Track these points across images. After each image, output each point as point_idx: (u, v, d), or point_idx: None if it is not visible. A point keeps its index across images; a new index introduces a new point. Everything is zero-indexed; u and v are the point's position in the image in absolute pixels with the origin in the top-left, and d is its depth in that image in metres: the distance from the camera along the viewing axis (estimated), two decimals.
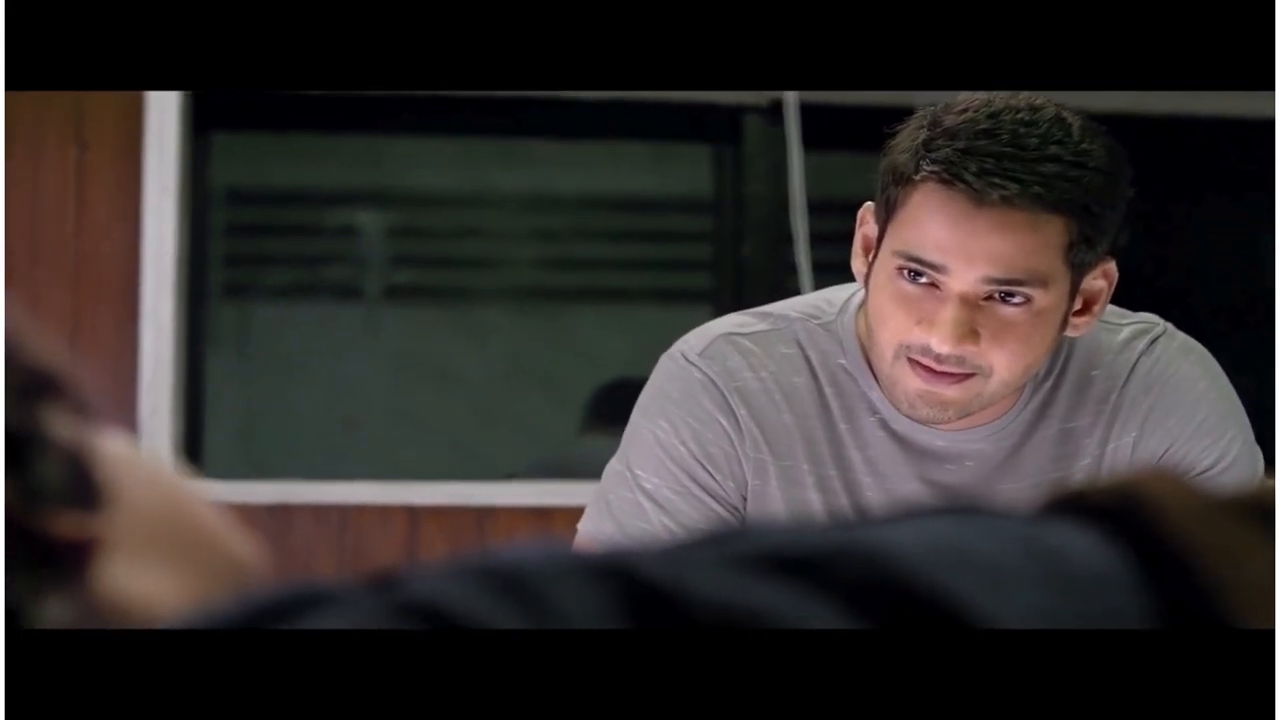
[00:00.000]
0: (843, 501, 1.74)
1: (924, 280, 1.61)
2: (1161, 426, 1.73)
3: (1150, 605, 0.54)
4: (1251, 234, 4.16)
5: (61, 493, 0.57)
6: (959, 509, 0.58)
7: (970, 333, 1.60)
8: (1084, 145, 1.59)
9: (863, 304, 1.72)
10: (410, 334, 4.22)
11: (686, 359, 1.74)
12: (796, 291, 3.58)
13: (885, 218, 1.64)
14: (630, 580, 0.52)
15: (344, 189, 4.20)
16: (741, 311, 1.80)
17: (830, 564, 0.53)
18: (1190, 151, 4.09)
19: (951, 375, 1.63)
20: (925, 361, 1.63)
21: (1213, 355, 1.77)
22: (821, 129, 3.82)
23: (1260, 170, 3.79)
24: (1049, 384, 1.74)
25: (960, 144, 1.58)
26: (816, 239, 3.71)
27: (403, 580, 0.54)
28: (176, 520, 0.64)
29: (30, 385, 0.58)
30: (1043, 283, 1.60)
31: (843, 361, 1.74)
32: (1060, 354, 1.74)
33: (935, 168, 1.58)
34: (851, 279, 1.76)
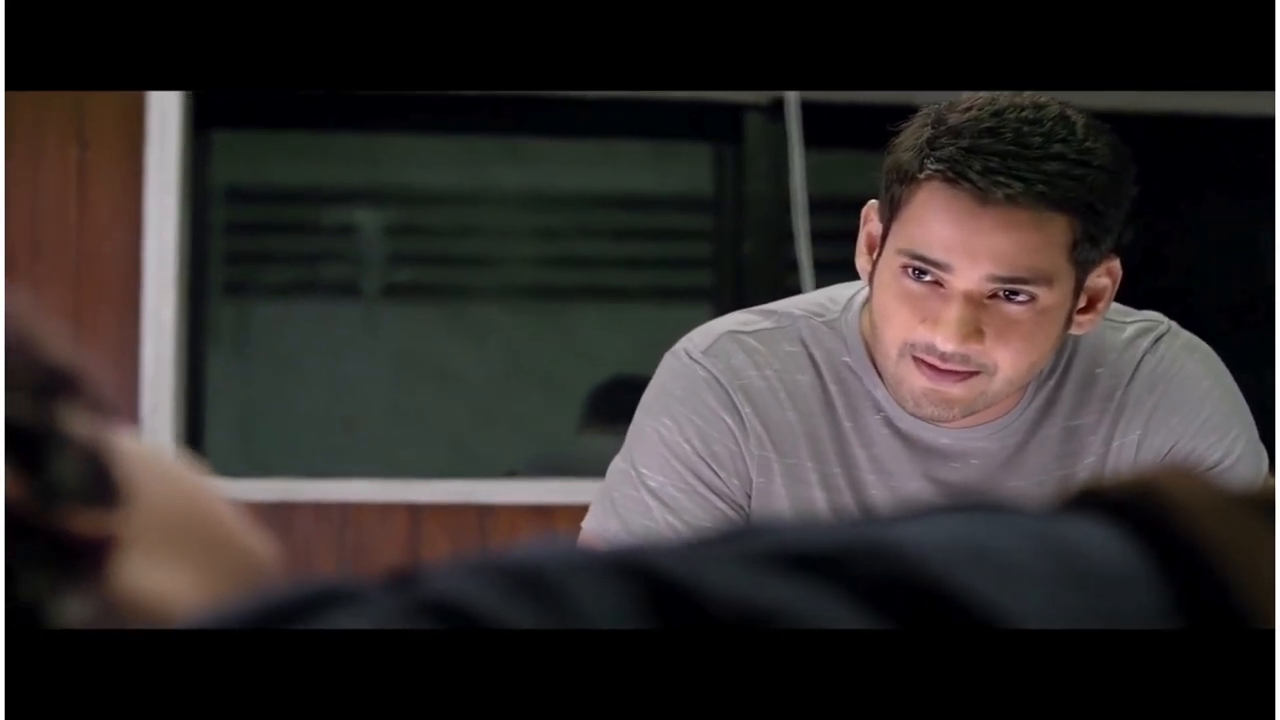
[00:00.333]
0: (847, 499, 1.74)
1: (928, 278, 1.61)
2: (1166, 425, 1.73)
3: (1168, 601, 0.54)
4: (1251, 233, 4.17)
5: (79, 490, 0.57)
6: (975, 506, 0.58)
7: (975, 331, 1.60)
8: (1088, 143, 1.59)
9: (867, 302, 1.72)
10: (409, 332, 4.22)
11: (691, 357, 1.74)
12: (797, 290, 3.57)
13: (889, 216, 1.64)
14: (649, 578, 0.52)
15: (342, 187, 4.20)
16: (746, 309, 1.80)
17: (848, 562, 0.53)
18: (1189, 150, 4.09)
19: (956, 373, 1.63)
20: (930, 360, 1.63)
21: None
22: (822, 127, 3.82)
23: (1260, 169, 3.79)
24: (1053, 382, 1.74)
25: (964, 142, 1.58)
26: (817, 237, 3.71)
27: (421, 578, 0.54)
28: (193, 517, 0.64)
29: (47, 383, 0.58)
30: (1047, 281, 1.60)
31: (847, 359, 1.74)
32: (1065, 352, 1.74)
33: (939, 166, 1.58)
34: (854, 277, 1.76)
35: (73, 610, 0.55)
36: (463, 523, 3.57)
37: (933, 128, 1.60)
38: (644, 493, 1.73)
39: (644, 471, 1.73)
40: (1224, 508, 0.57)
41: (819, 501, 1.73)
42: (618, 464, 1.78)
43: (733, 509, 1.73)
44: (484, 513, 3.58)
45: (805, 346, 1.75)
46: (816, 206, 3.74)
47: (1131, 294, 1.75)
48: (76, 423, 0.58)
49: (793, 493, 1.73)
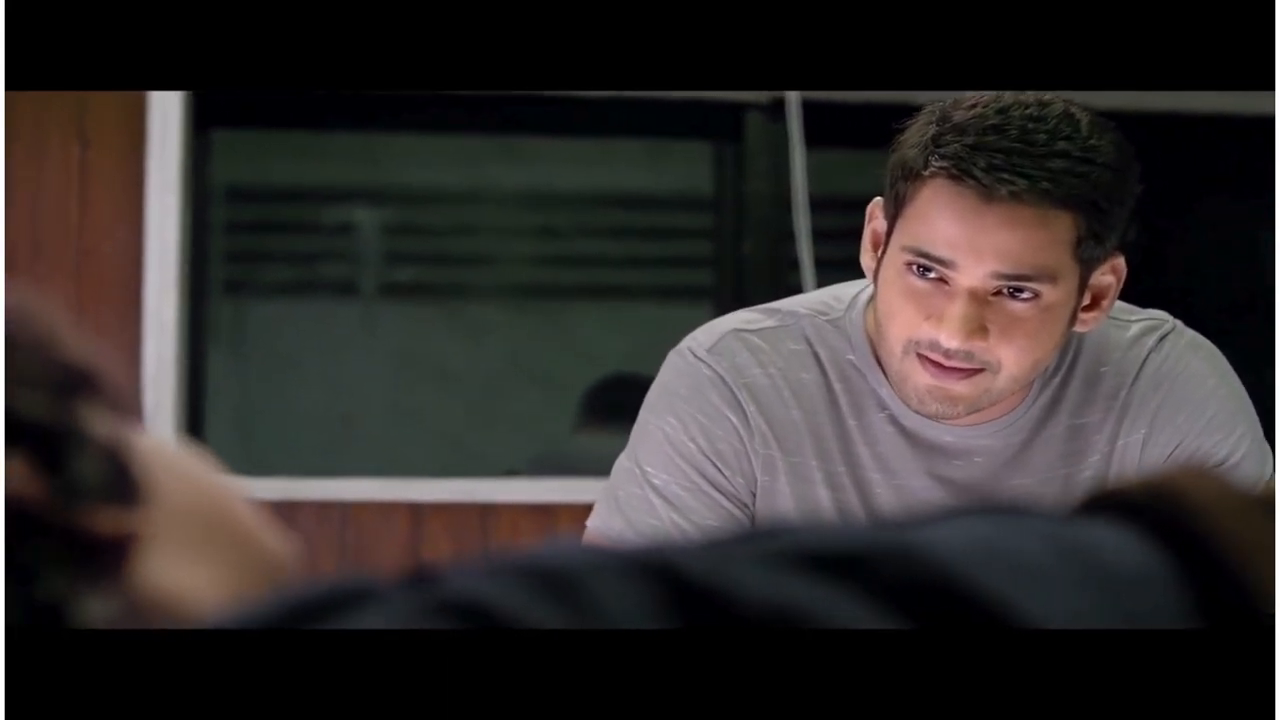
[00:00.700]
0: (852, 498, 1.74)
1: (933, 275, 1.61)
2: (1171, 423, 1.73)
3: (1187, 602, 0.54)
4: (1250, 231, 4.17)
5: (99, 489, 0.57)
6: (992, 509, 0.58)
7: (979, 328, 1.61)
8: (1092, 141, 1.59)
9: (871, 300, 1.72)
10: (407, 331, 4.22)
11: (695, 355, 1.74)
12: (798, 289, 3.58)
13: (894, 213, 1.64)
14: (670, 578, 0.52)
15: (341, 186, 4.20)
16: (749, 308, 1.80)
17: (868, 562, 0.53)
18: (1188, 149, 4.09)
19: (960, 370, 1.63)
20: (934, 357, 1.63)
21: None
22: (823, 126, 3.82)
23: (1259, 168, 3.80)
24: (1058, 380, 1.75)
25: (969, 139, 1.58)
26: (818, 236, 3.71)
27: (441, 577, 0.54)
28: (213, 516, 0.64)
29: (68, 382, 0.58)
30: (1051, 278, 1.60)
31: (851, 357, 1.74)
32: (1069, 350, 1.74)
33: (944, 163, 1.58)
34: (854, 276, 1.76)
35: (94, 609, 0.55)
36: (464, 522, 3.57)
37: (938, 125, 1.61)
38: (649, 491, 1.73)
39: (648, 470, 1.73)
40: (1241, 508, 0.57)
41: (823, 500, 1.73)
42: (622, 462, 1.78)
43: (737, 507, 1.73)
44: (486, 511, 3.58)
45: (810, 345, 1.75)
46: (817, 205, 3.74)
47: (1130, 293, 1.75)
48: (96, 421, 0.58)
49: (797, 491, 1.73)
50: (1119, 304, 1.74)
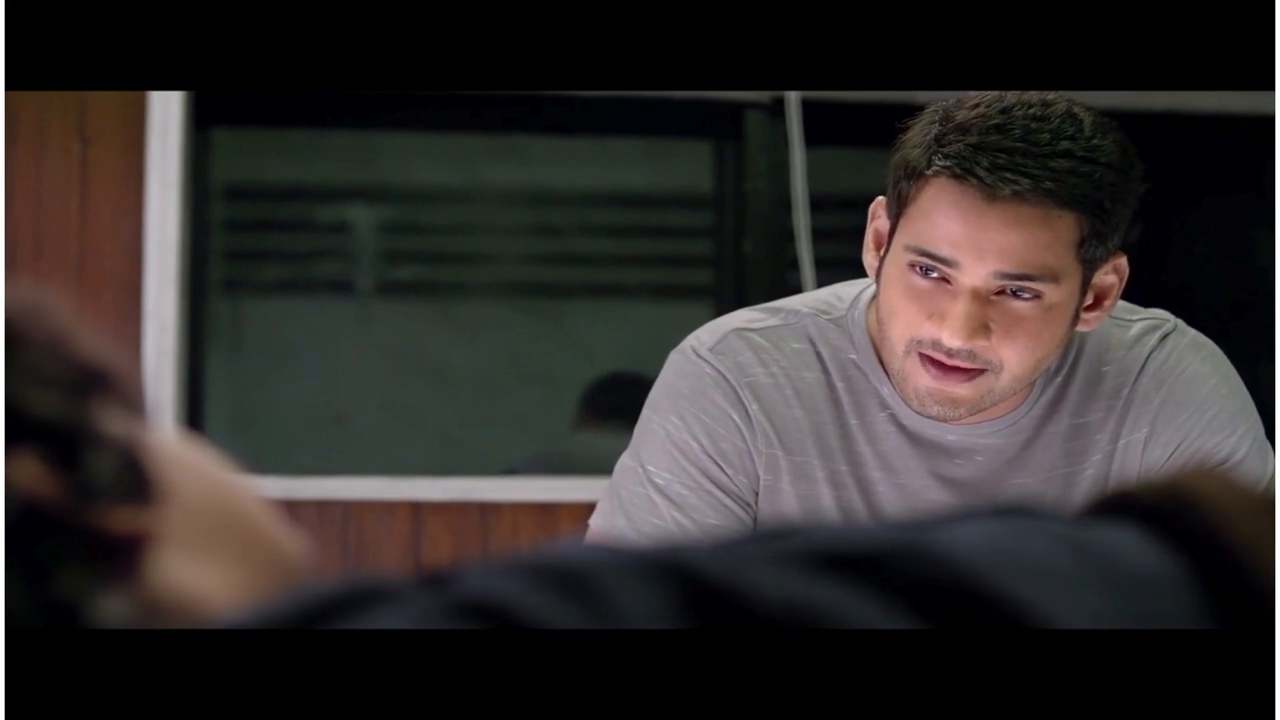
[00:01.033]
0: (854, 497, 1.74)
1: (935, 275, 1.61)
2: (1172, 423, 1.73)
3: (1204, 604, 0.54)
4: (1248, 230, 4.17)
5: (114, 487, 0.57)
6: (1008, 511, 0.58)
7: (981, 327, 1.61)
8: (1095, 141, 1.59)
9: (874, 299, 1.72)
10: (404, 329, 4.21)
11: (698, 354, 1.74)
12: (797, 288, 3.58)
13: (897, 212, 1.64)
14: (687, 578, 0.52)
15: (337, 184, 4.20)
16: (752, 307, 1.80)
17: (886, 563, 0.53)
18: (1187, 147, 4.09)
19: (962, 371, 1.63)
20: (936, 356, 1.63)
21: None
22: (823, 125, 3.82)
23: (1257, 167, 3.80)
24: (1060, 379, 1.75)
25: (972, 139, 1.58)
26: (818, 235, 3.71)
27: (458, 577, 0.54)
28: (228, 515, 0.64)
29: (82, 381, 0.58)
30: (1054, 278, 1.60)
31: (853, 357, 1.74)
32: (1071, 349, 1.74)
33: (947, 163, 1.58)
34: (854, 275, 1.76)
35: (108, 608, 0.55)
36: (465, 520, 3.57)
37: (941, 124, 1.61)
38: (651, 490, 1.73)
39: (651, 469, 1.74)
40: (1255, 510, 0.57)
41: (826, 499, 1.73)
42: (625, 461, 1.78)
43: (740, 507, 1.73)
44: (486, 510, 3.58)
45: (812, 344, 1.75)
46: (817, 204, 3.74)
47: (1129, 291, 1.75)
48: (110, 420, 0.58)
49: (800, 490, 1.73)
50: (1121, 303, 1.75)
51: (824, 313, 1.76)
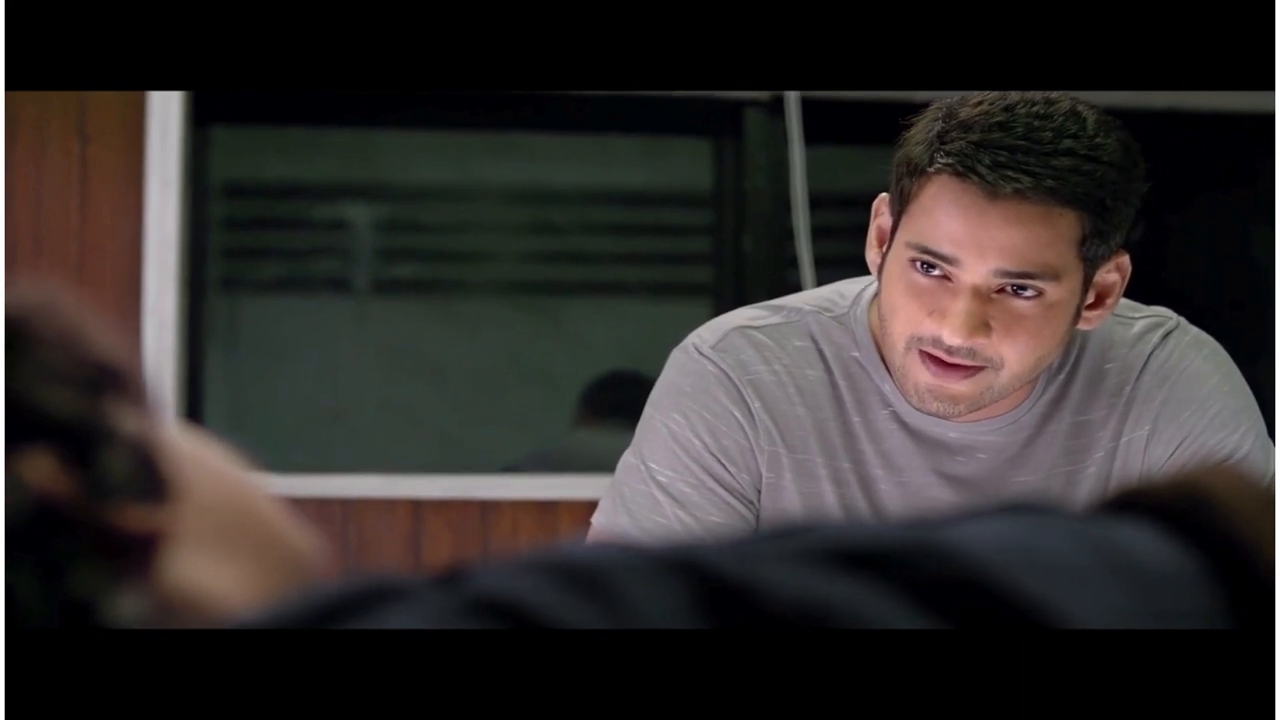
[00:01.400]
0: (856, 494, 1.74)
1: (936, 272, 1.61)
2: (1175, 421, 1.73)
3: (1219, 602, 0.54)
4: (1246, 229, 4.17)
5: (128, 486, 0.57)
6: (1022, 508, 0.58)
7: (982, 325, 1.61)
8: (1098, 139, 1.59)
9: (875, 297, 1.72)
10: (402, 327, 4.21)
11: (700, 352, 1.74)
12: (797, 286, 3.58)
13: (899, 209, 1.64)
14: (701, 576, 0.52)
15: (336, 182, 4.20)
16: (754, 305, 1.80)
17: (900, 560, 0.53)
18: (1186, 146, 4.09)
19: (962, 368, 1.63)
20: (936, 353, 1.63)
21: None
22: (823, 123, 3.82)
23: (1256, 165, 3.80)
24: (1062, 377, 1.75)
25: (974, 136, 1.58)
26: (817, 233, 3.71)
27: (471, 575, 0.54)
28: (241, 513, 0.64)
29: (96, 379, 0.58)
30: (1055, 276, 1.60)
31: (855, 354, 1.74)
32: (1073, 347, 1.74)
33: (949, 160, 1.58)
34: (854, 273, 1.76)
35: (122, 606, 0.55)
36: (465, 518, 3.57)
37: (943, 122, 1.61)
38: (654, 488, 1.73)
39: (654, 467, 1.73)
40: (1269, 508, 0.57)
41: (828, 496, 1.73)
42: (628, 459, 1.78)
43: (743, 504, 1.73)
44: (486, 508, 3.58)
45: (814, 341, 1.75)
46: (816, 202, 3.74)
47: (1129, 289, 1.75)
48: (125, 418, 0.58)
49: (802, 488, 1.73)
50: (1123, 301, 1.75)
51: (826, 310, 1.76)
